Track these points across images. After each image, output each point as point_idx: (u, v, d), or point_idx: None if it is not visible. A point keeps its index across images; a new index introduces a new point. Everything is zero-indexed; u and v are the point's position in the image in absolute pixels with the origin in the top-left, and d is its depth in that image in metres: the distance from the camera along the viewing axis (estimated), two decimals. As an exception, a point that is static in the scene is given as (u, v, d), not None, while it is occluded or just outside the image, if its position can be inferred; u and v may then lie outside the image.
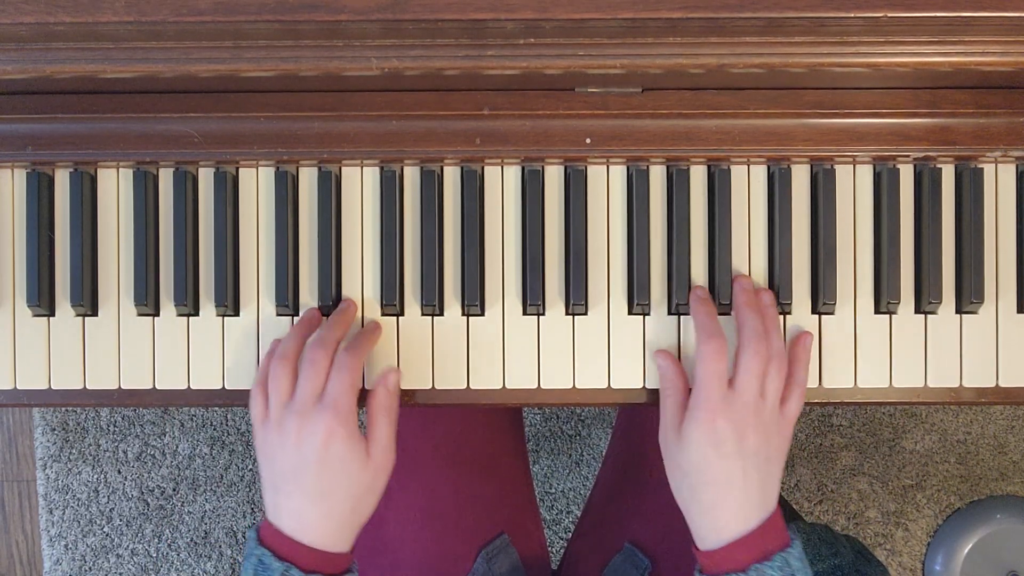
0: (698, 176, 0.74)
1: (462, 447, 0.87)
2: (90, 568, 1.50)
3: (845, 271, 0.73)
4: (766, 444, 0.66)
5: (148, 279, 0.73)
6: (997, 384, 0.74)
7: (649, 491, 0.87)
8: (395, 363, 0.73)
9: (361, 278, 0.74)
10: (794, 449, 1.46)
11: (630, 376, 0.73)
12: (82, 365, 0.74)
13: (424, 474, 0.85)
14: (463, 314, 0.74)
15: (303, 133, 0.72)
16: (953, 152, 0.72)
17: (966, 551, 1.42)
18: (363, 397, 0.71)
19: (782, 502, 0.81)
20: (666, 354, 0.71)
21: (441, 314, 0.74)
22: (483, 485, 0.87)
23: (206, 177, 0.74)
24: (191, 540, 1.49)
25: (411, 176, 0.74)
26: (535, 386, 0.74)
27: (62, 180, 0.74)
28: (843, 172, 0.73)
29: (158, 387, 0.74)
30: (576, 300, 0.72)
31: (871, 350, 0.73)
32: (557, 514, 1.48)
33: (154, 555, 1.49)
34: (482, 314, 0.74)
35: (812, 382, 0.73)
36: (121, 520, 1.49)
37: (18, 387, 0.74)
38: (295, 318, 0.73)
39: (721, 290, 0.73)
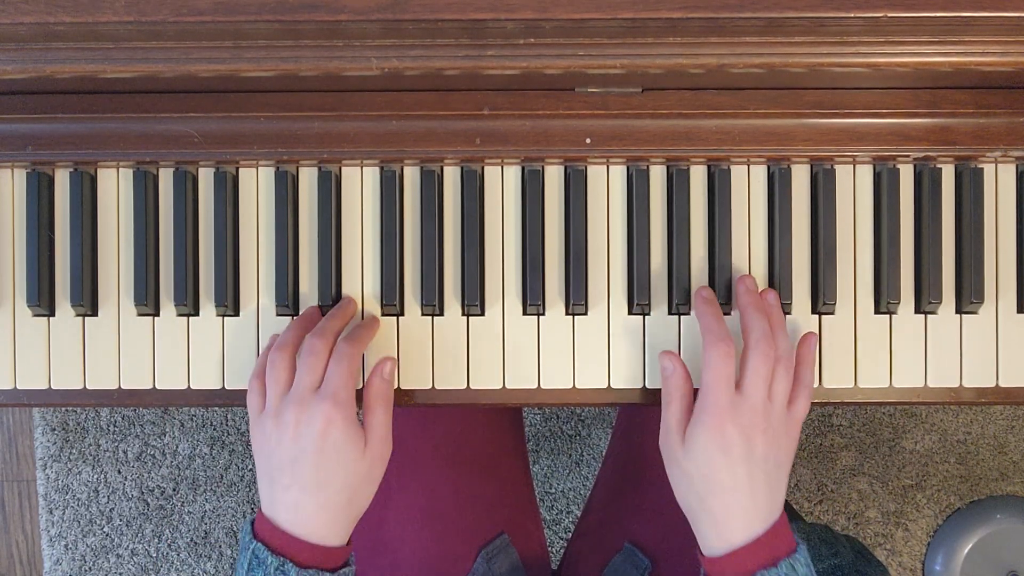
0: (698, 176, 0.74)
1: (462, 447, 0.87)
2: (90, 568, 1.50)
3: (845, 271, 0.73)
4: (775, 448, 0.66)
5: (148, 279, 0.73)
6: (997, 384, 0.74)
7: (649, 491, 0.87)
8: (396, 360, 0.73)
9: (361, 278, 0.74)
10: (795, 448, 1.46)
11: (630, 376, 0.73)
12: (82, 365, 0.74)
13: (424, 474, 0.85)
14: (463, 314, 0.74)
15: (303, 133, 0.72)
16: (953, 152, 0.72)
17: (966, 551, 1.42)
18: (360, 392, 0.71)
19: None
20: (672, 355, 0.70)
21: (441, 314, 0.74)
22: (483, 485, 0.87)
23: (206, 177, 0.74)
24: (191, 540, 1.49)
25: (411, 176, 0.74)
26: (535, 386, 0.74)
27: (62, 180, 0.74)
28: (843, 172, 0.73)
29: (158, 387, 0.74)
30: (576, 300, 0.72)
31: (871, 350, 0.73)
32: (557, 514, 1.48)
33: (154, 555, 1.49)
34: (482, 314, 0.74)
35: (812, 381, 0.73)
36: (121, 520, 1.49)
37: (18, 387, 0.74)
38: (295, 318, 0.73)
39: (721, 290, 0.73)
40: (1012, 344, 0.73)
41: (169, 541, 1.49)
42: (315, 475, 0.65)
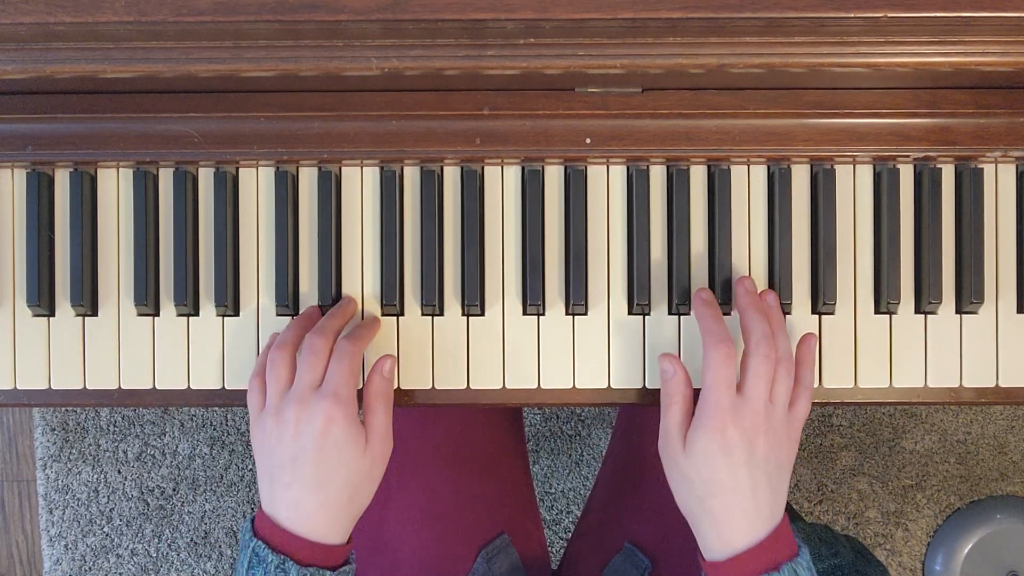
0: (698, 176, 0.74)
1: (462, 447, 0.87)
2: (90, 568, 1.50)
3: (845, 271, 0.73)
4: (777, 450, 0.65)
5: (148, 279, 0.73)
6: (997, 384, 0.74)
7: (649, 491, 0.87)
8: (395, 359, 0.73)
9: (361, 278, 0.74)
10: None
11: (630, 376, 0.73)
12: (82, 365, 0.74)
13: (424, 474, 0.85)
14: (463, 314, 0.74)
15: (303, 133, 0.72)
16: (953, 152, 0.72)
17: (966, 551, 1.42)
18: (360, 391, 0.71)
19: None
20: (672, 358, 0.69)
21: (441, 314, 0.74)
22: (483, 485, 0.87)
23: (206, 177, 0.74)
24: (191, 540, 1.49)
25: (411, 176, 0.74)
26: (535, 386, 0.74)
27: (62, 180, 0.74)
28: (843, 172, 0.73)
29: (158, 387, 0.74)
30: (576, 300, 0.72)
31: (871, 350, 0.73)
32: (557, 514, 1.48)
33: (154, 555, 1.49)
34: (482, 314, 0.74)
35: (813, 382, 0.73)
36: (121, 520, 1.49)
37: (18, 387, 0.74)
38: (295, 317, 0.73)
39: (721, 290, 0.73)
40: (1012, 344, 0.73)
41: (169, 541, 1.49)
42: (316, 473, 0.65)
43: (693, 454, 0.65)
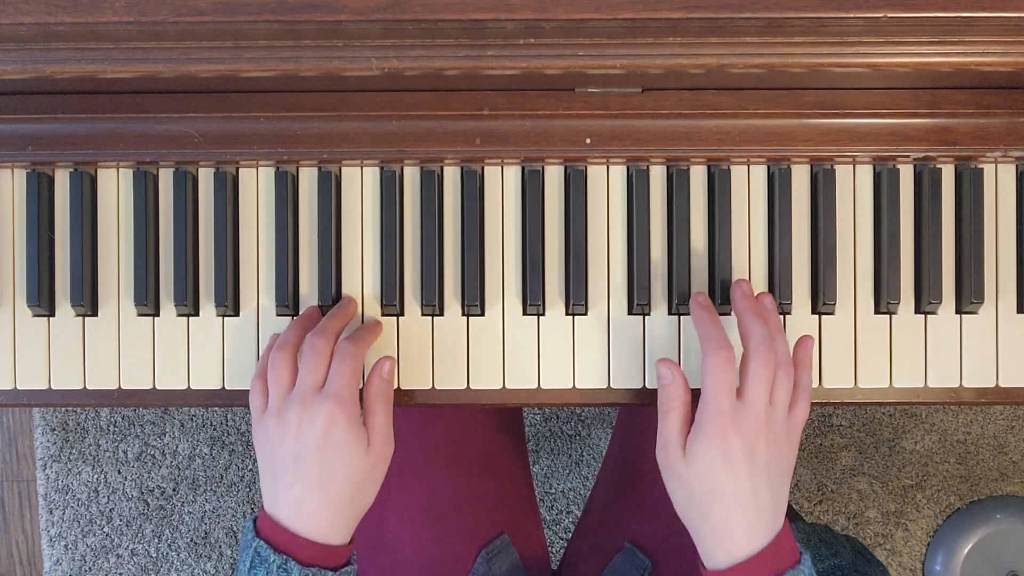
0: (698, 176, 0.74)
1: (462, 447, 0.87)
2: (90, 568, 1.50)
3: (845, 271, 0.73)
4: (777, 455, 0.65)
5: (148, 279, 0.73)
6: (997, 384, 0.74)
7: (649, 491, 0.87)
8: (395, 360, 0.73)
9: (361, 278, 0.74)
10: (794, 449, 1.46)
11: (630, 376, 0.73)
12: (82, 365, 0.74)
13: (424, 474, 0.85)
14: (463, 314, 0.74)
15: (303, 133, 0.72)
16: (953, 152, 0.72)
17: (966, 551, 1.42)
18: (360, 392, 0.71)
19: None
20: (670, 363, 0.68)
21: (441, 314, 0.74)
22: (483, 485, 0.87)
23: (206, 177, 0.74)
24: (191, 540, 1.49)
25: (411, 176, 0.74)
26: (535, 386, 0.74)
27: (62, 180, 0.74)
28: (843, 172, 0.73)
29: (158, 387, 0.74)
30: (576, 300, 0.72)
31: (871, 350, 0.73)
32: (557, 514, 1.48)
33: (154, 555, 1.49)
34: (482, 314, 0.74)
35: (812, 382, 0.73)
36: (121, 520, 1.49)
37: (18, 387, 0.74)
38: (295, 317, 0.73)
39: (721, 290, 0.73)
40: (1012, 344, 0.73)
41: (169, 541, 1.49)
42: (318, 473, 0.65)
43: (694, 461, 0.64)
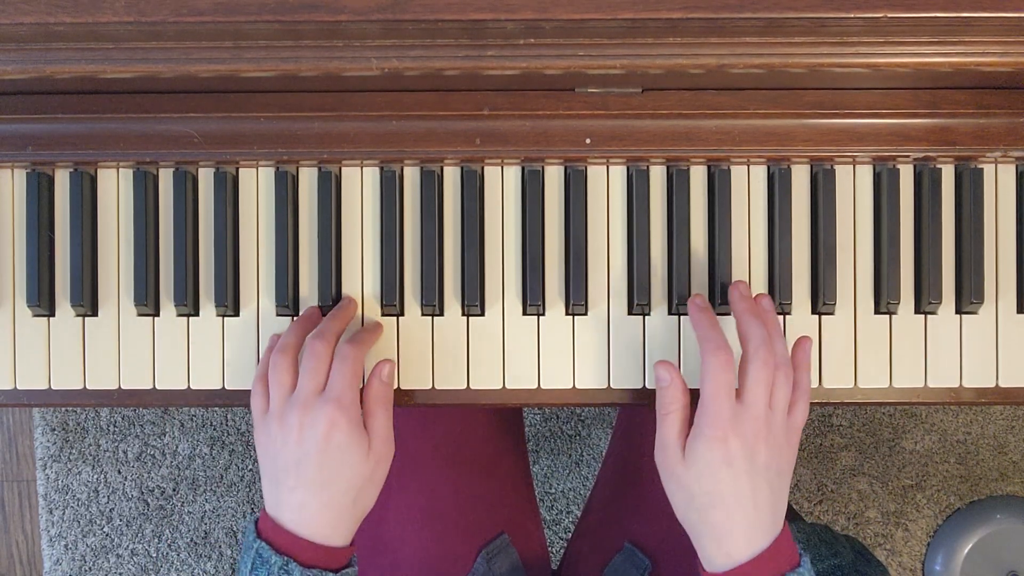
0: (698, 176, 0.74)
1: (462, 447, 0.87)
2: (90, 568, 1.50)
3: (845, 271, 0.73)
4: (777, 457, 0.65)
5: (148, 279, 0.73)
6: (997, 384, 0.74)
7: (649, 491, 0.87)
8: (395, 363, 0.73)
9: (361, 278, 0.74)
10: (794, 449, 1.46)
11: (630, 376, 0.73)
12: (82, 365, 0.74)
13: (424, 474, 0.85)
14: (463, 314, 0.74)
15: (303, 133, 0.72)
16: (953, 152, 0.72)
17: (966, 551, 1.42)
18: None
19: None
20: (668, 365, 0.67)
21: (441, 314, 0.74)
22: (483, 485, 0.87)
23: (206, 177, 0.74)
24: (191, 540, 1.49)
25: (411, 176, 0.74)
26: (535, 386, 0.74)
27: (62, 180, 0.74)
28: (843, 172, 0.73)
29: (158, 387, 0.74)
30: (576, 300, 0.72)
31: (871, 350, 0.73)
32: (557, 514, 1.48)
33: (154, 555, 1.49)
34: (482, 314, 0.74)
35: (812, 382, 0.73)
36: (121, 520, 1.49)
37: (18, 387, 0.74)
38: (295, 318, 0.73)
39: (721, 291, 0.72)
40: (1012, 344, 0.73)
41: (169, 541, 1.49)
42: (319, 476, 0.65)
43: (694, 465, 0.64)
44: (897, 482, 1.47)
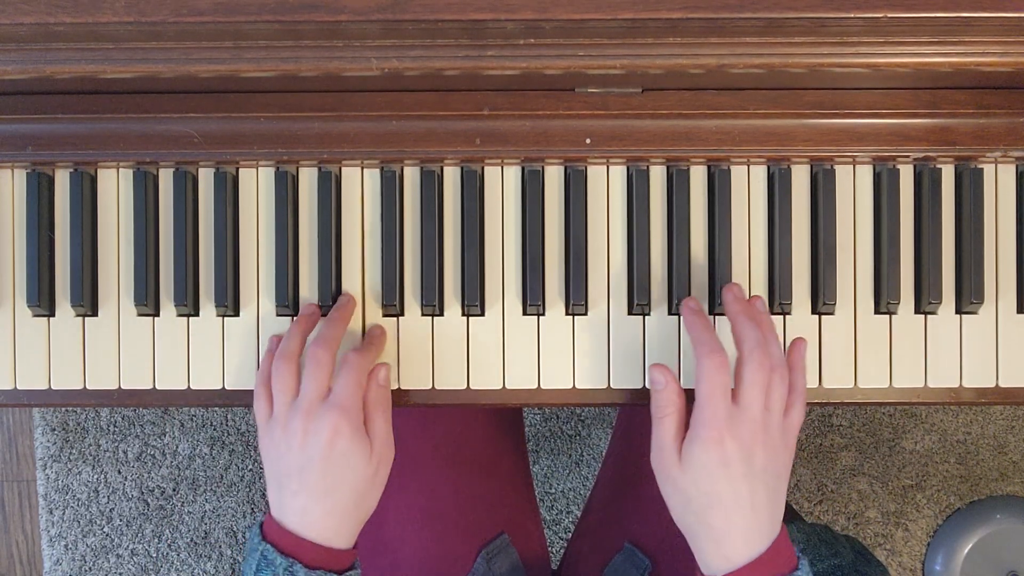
0: (698, 176, 0.74)
1: (462, 447, 0.87)
2: (90, 568, 1.50)
3: (845, 271, 0.73)
4: (774, 459, 0.65)
5: (148, 279, 0.73)
6: (997, 384, 0.74)
7: (649, 491, 0.87)
8: (395, 363, 0.73)
9: (361, 278, 0.74)
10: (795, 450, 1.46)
11: (630, 376, 0.73)
12: (82, 365, 0.74)
13: (424, 474, 0.85)
14: (463, 314, 0.74)
15: (303, 133, 0.72)
16: (953, 152, 0.72)
17: (966, 551, 1.42)
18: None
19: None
20: (663, 368, 0.67)
21: (441, 314, 0.74)
22: (483, 485, 0.87)
23: (206, 177, 0.74)
24: (191, 540, 1.49)
25: (411, 176, 0.74)
26: (535, 386, 0.74)
27: (62, 180, 0.74)
28: (843, 172, 0.73)
29: (158, 387, 0.74)
30: (576, 300, 0.72)
31: (871, 350, 0.73)
32: (557, 514, 1.48)
33: (154, 555, 1.49)
34: (482, 314, 0.74)
35: (812, 382, 0.73)
36: (121, 520, 1.49)
37: (18, 387, 0.74)
38: (295, 318, 0.73)
39: (721, 291, 0.72)
40: (1012, 344, 0.73)
41: (169, 541, 1.49)
42: (323, 481, 0.66)
43: (690, 468, 0.64)
44: (897, 482, 1.47)
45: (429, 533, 0.84)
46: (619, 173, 0.74)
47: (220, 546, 1.49)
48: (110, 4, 0.61)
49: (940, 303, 0.73)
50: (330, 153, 0.72)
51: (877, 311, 0.73)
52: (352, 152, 0.72)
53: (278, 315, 0.74)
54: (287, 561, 0.64)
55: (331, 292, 0.73)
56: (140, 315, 0.74)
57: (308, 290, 0.74)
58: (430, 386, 0.74)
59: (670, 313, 0.73)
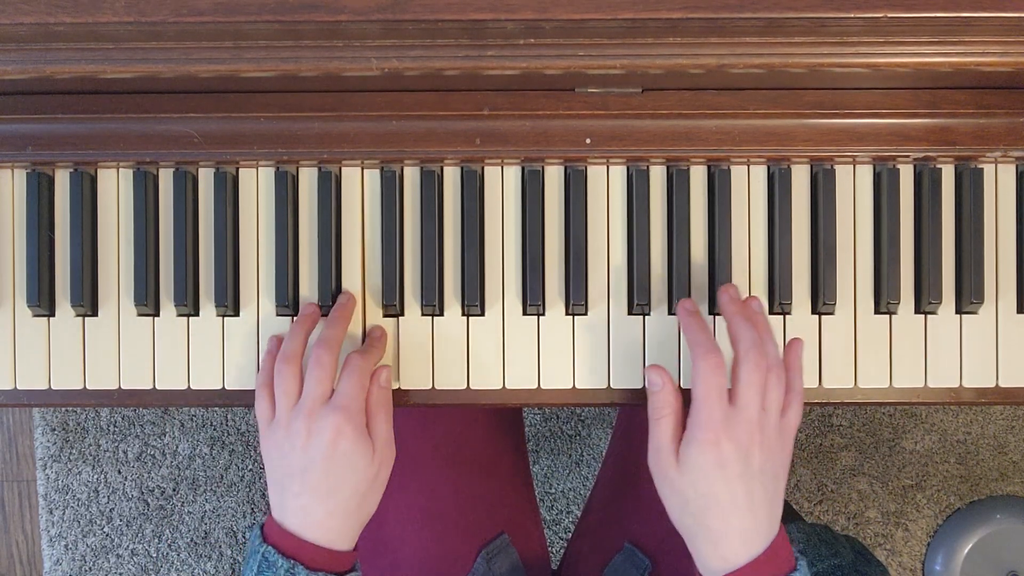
0: (698, 176, 0.74)
1: (462, 447, 0.87)
2: (90, 568, 1.50)
3: (845, 271, 0.73)
4: (771, 460, 0.65)
5: (148, 279, 0.73)
6: (997, 384, 0.74)
7: (649, 491, 0.87)
8: (395, 363, 0.73)
9: (361, 278, 0.74)
10: (794, 450, 1.46)
11: (630, 376, 0.73)
12: (82, 365, 0.74)
13: (424, 474, 0.85)
14: (463, 314, 0.74)
15: (303, 133, 0.72)
16: (953, 152, 0.72)
17: (966, 551, 1.42)
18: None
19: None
20: (660, 370, 0.67)
21: (441, 314, 0.74)
22: (483, 485, 0.87)
23: (206, 177, 0.74)
24: (191, 540, 1.49)
25: (411, 176, 0.74)
26: (535, 386, 0.74)
27: (62, 180, 0.74)
28: (843, 172, 0.73)
29: (158, 387, 0.74)
30: (576, 300, 0.72)
31: (871, 350, 0.73)
32: (557, 514, 1.48)
33: (154, 555, 1.49)
34: (482, 314, 0.74)
35: (812, 382, 0.73)
36: (121, 520, 1.49)
37: (18, 387, 0.74)
38: (295, 318, 0.73)
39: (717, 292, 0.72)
40: (1012, 344, 0.73)
41: (169, 541, 1.49)
42: (325, 482, 0.66)
43: (687, 469, 0.64)
44: (897, 482, 1.47)
45: (429, 533, 0.84)
46: (619, 173, 0.74)
47: (220, 546, 1.49)
48: (110, 4, 0.61)
49: (940, 303, 0.73)
50: (330, 153, 0.72)
51: (877, 311, 0.73)
52: (352, 152, 0.72)
53: (278, 315, 0.74)
54: (289, 563, 0.64)
55: (331, 292, 0.73)
56: (140, 315, 0.74)
57: (308, 290, 0.74)
58: (430, 386, 0.74)
59: (670, 313, 0.73)
